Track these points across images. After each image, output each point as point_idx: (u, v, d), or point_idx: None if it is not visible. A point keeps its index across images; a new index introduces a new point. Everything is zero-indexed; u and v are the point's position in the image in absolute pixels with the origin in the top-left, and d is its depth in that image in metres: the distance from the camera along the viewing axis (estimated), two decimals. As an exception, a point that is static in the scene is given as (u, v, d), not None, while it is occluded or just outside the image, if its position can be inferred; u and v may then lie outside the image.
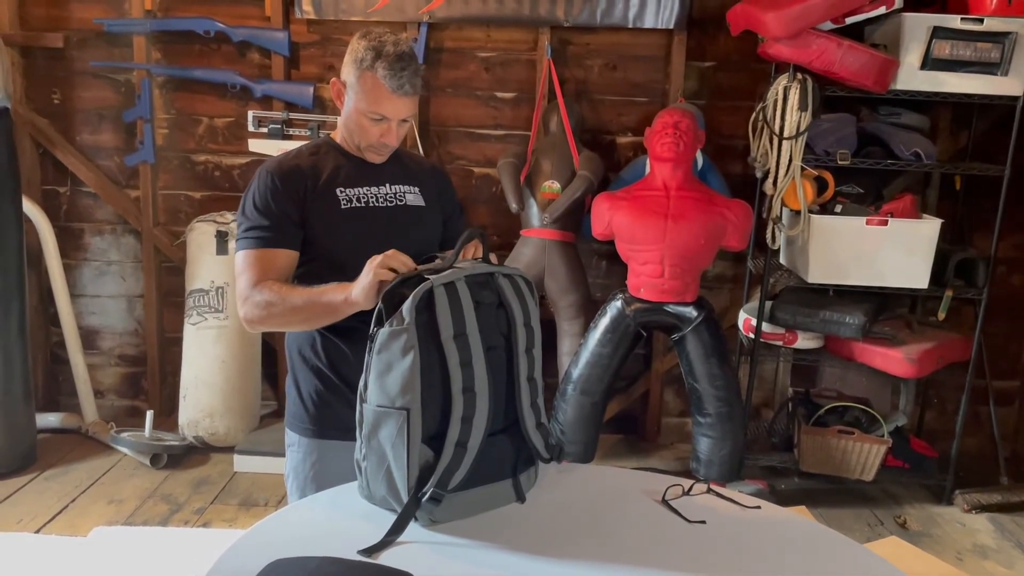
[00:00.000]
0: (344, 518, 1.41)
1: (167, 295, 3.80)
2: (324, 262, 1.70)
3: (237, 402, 3.46)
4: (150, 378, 3.84)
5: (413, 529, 1.35)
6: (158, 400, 3.81)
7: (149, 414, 3.37)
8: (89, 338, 3.82)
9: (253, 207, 1.69)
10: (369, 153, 1.76)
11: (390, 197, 1.77)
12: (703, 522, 1.45)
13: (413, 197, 1.80)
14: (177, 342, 3.66)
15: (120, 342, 3.88)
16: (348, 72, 1.72)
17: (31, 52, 3.58)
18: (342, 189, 1.73)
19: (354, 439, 1.43)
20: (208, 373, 3.44)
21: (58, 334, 3.71)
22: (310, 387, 1.77)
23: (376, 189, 1.76)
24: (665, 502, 1.52)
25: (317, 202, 1.70)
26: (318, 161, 1.75)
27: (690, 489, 1.57)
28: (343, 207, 1.71)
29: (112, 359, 3.89)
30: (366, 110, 1.70)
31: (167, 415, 3.72)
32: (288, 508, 1.48)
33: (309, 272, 1.70)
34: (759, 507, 1.54)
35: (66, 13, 3.56)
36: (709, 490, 1.58)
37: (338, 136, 1.82)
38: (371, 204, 1.75)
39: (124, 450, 3.38)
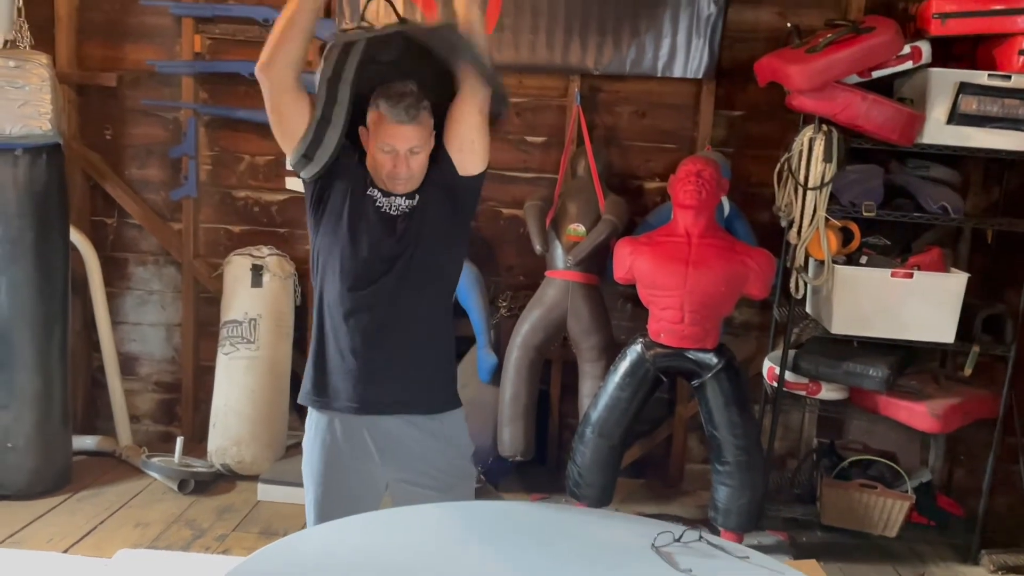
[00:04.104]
0: (339, 551, 1.46)
1: (204, 324, 3.92)
2: (327, 237, 1.95)
3: (264, 431, 3.55)
4: (184, 405, 3.96)
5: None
6: (191, 426, 3.92)
7: (179, 440, 3.48)
8: (128, 364, 3.96)
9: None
10: (390, 183, 1.92)
11: (389, 204, 1.94)
12: (690, 571, 1.47)
13: (407, 204, 1.94)
14: (211, 370, 3.77)
15: (157, 369, 4.01)
16: (368, 116, 1.90)
17: (86, 90, 3.78)
18: (372, 188, 1.95)
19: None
20: (238, 402, 3.53)
21: (100, 359, 3.85)
22: None
23: (387, 199, 1.94)
24: (655, 549, 1.54)
25: (351, 172, 1.94)
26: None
27: (680, 536, 1.58)
28: (367, 192, 1.93)
29: (149, 385, 4.02)
30: (378, 144, 1.88)
31: (199, 441, 3.81)
32: (283, 541, 1.53)
33: (322, 246, 1.97)
34: (747, 557, 1.55)
35: (121, 54, 3.76)
36: (700, 538, 1.60)
37: None
38: (380, 206, 1.94)
39: (154, 475, 3.48)
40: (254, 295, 3.61)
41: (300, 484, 3.34)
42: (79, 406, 3.87)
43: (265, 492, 3.39)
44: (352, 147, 1.95)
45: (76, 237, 3.58)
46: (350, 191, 1.92)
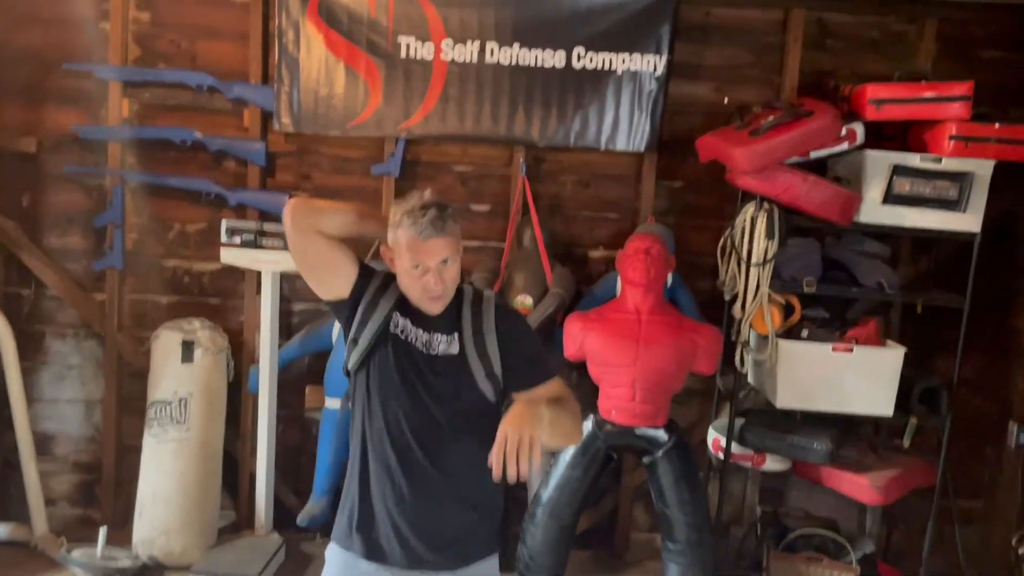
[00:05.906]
0: None
1: (127, 400, 3.70)
2: (365, 374, 1.85)
3: (195, 518, 3.35)
4: (105, 486, 3.71)
5: None
6: (112, 509, 3.68)
7: (102, 532, 3.24)
8: (44, 444, 3.70)
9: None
10: (425, 303, 1.82)
11: (425, 343, 1.85)
12: None
13: (444, 346, 1.85)
14: (135, 450, 3.55)
15: (75, 448, 3.77)
16: (390, 237, 1.81)
17: (3, 156, 3.55)
18: (398, 314, 1.86)
19: None
20: (166, 488, 3.33)
21: (12, 439, 3.58)
22: None
23: (419, 331, 1.85)
24: None
25: (379, 304, 1.85)
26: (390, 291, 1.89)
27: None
28: (390, 328, 1.84)
29: (67, 466, 3.77)
30: (407, 265, 1.78)
31: (120, 526, 3.57)
32: None
33: (356, 379, 1.88)
34: None
35: (41, 118, 3.56)
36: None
37: None
38: (410, 339, 1.85)
39: (75, 570, 3.23)
40: (184, 372, 3.42)
41: (233, 575, 3.20)
42: (-11, 490, 3.59)
43: (197, 586, 3.20)
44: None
45: (-12, 312, 3.34)
46: (390, 345, 1.83)
